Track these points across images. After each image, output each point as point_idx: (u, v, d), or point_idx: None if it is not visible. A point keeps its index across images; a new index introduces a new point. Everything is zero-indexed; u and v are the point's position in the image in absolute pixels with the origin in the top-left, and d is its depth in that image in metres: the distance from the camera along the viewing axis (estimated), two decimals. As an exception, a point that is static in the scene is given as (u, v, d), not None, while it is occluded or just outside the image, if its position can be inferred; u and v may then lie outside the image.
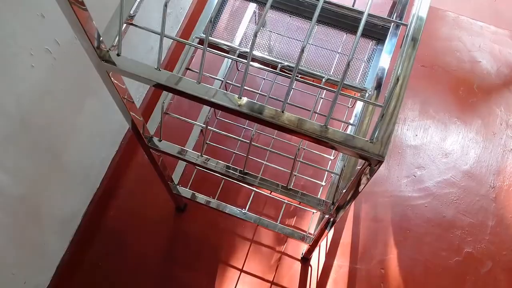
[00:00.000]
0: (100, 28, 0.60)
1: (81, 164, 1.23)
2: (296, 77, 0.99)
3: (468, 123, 1.55)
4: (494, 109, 1.57)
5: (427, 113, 1.56)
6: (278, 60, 0.96)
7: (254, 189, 1.19)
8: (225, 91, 0.59)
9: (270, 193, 0.87)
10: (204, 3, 1.03)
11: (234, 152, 1.16)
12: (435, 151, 1.50)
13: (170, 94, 0.90)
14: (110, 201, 1.38)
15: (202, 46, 0.59)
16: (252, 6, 1.09)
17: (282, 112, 0.57)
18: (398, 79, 0.54)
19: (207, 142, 1.16)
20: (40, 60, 0.88)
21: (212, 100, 0.58)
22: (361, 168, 0.59)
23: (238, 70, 1.35)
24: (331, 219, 0.94)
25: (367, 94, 0.93)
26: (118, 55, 0.60)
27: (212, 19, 0.61)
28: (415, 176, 1.46)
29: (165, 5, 0.57)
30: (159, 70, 0.60)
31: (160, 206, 1.37)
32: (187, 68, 0.97)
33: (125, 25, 0.64)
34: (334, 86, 0.97)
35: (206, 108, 1.21)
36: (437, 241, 1.38)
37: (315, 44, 1.06)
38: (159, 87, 0.60)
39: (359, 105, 1.09)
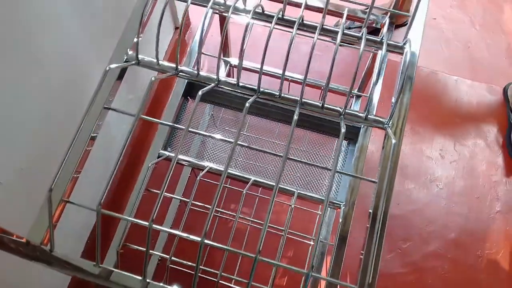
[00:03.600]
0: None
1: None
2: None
3: (450, 186, 1.50)
4: (476, 169, 1.53)
5: (407, 177, 1.51)
6: (246, 176, 0.90)
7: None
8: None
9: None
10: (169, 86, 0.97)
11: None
12: (419, 220, 1.45)
13: (125, 232, 0.82)
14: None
15: (146, 224, 0.52)
16: (209, 108, 1.03)
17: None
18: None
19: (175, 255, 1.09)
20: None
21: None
22: None
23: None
24: None
25: (342, 210, 0.86)
26: (51, 251, 0.53)
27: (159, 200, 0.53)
28: (400, 250, 1.40)
29: (100, 204, 0.50)
30: (99, 266, 0.53)
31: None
32: (147, 189, 0.90)
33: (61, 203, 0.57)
34: (304, 200, 0.91)
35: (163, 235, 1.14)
36: (428, 320, 1.32)
37: (275, 151, 1.01)
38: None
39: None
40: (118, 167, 1.36)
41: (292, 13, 0.69)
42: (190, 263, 0.91)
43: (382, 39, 0.62)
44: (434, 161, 1.54)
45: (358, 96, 1.22)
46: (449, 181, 1.51)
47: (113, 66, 0.56)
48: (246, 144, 0.61)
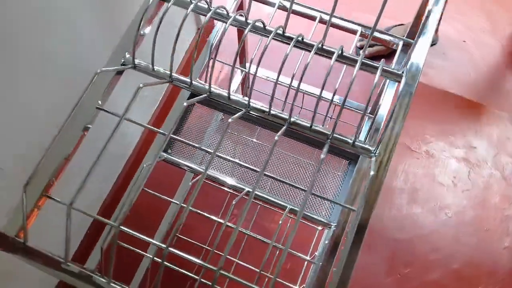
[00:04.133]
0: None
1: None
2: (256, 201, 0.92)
3: (460, 215, 1.46)
4: (489, 201, 1.48)
5: (415, 202, 1.48)
6: (239, 186, 0.90)
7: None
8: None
9: None
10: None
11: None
12: (423, 246, 1.41)
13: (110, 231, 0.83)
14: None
15: (114, 224, 0.53)
16: (219, 115, 1.03)
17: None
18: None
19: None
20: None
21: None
22: None
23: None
24: None
25: (331, 230, 0.85)
26: (24, 243, 0.54)
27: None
28: (399, 275, 1.37)
29: (71, 203, 0.51)
30: (67, 265, 0.53)
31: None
32: (143, 189, 0.91)
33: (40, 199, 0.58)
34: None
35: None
36: None
37: (279, 162, 1.01)
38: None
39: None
40: (124, 167, 1.38)
41: (306, 26, 0.68)
42: (178, 268, 0.91)
43: (379, 64, 0.61)
44: (446, 188, 1.50)
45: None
46: (459, 210, 1.46)
47: (104, 69, 0.56)
48: (229, 158, 0.61)
